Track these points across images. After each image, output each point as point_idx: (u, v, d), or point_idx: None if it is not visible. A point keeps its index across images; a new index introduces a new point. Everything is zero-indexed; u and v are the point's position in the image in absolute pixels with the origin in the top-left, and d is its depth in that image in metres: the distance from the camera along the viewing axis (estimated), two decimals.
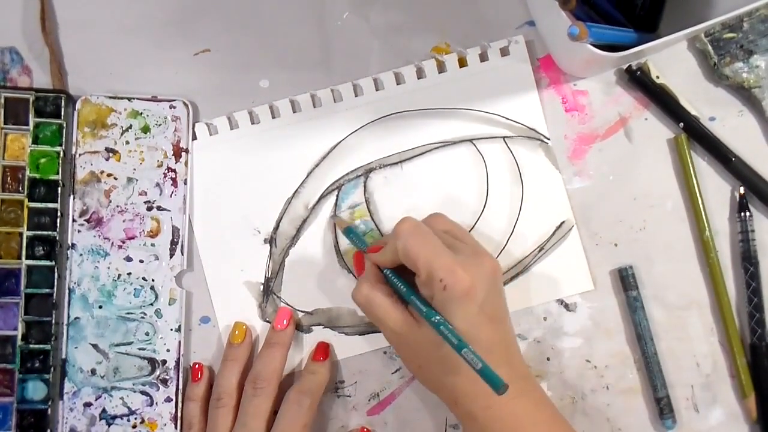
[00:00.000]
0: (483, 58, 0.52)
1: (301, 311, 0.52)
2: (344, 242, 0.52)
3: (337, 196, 0.52)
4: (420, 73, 0.52)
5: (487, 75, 0.52)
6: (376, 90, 0.52)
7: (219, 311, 0.51)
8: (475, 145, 0.52)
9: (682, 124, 0.51)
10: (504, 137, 0.52)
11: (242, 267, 0.52)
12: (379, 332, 0.50)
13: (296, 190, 0.52)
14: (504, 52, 0.52)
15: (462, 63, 0.52)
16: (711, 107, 0.52)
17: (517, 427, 0.43)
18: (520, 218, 0.52)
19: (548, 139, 0.52)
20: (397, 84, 0.52)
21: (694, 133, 0.51)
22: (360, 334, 0.51)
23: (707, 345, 0.51)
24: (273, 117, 0.52)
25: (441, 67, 0.52)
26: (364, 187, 0.52)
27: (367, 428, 0.50)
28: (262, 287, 0.52)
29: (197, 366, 0.50)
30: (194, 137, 0.52)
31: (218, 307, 0.51)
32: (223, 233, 0.52)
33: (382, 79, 0.52)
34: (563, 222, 0.52)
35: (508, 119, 0.52)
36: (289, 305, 0.51)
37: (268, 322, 0.51)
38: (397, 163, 0.52)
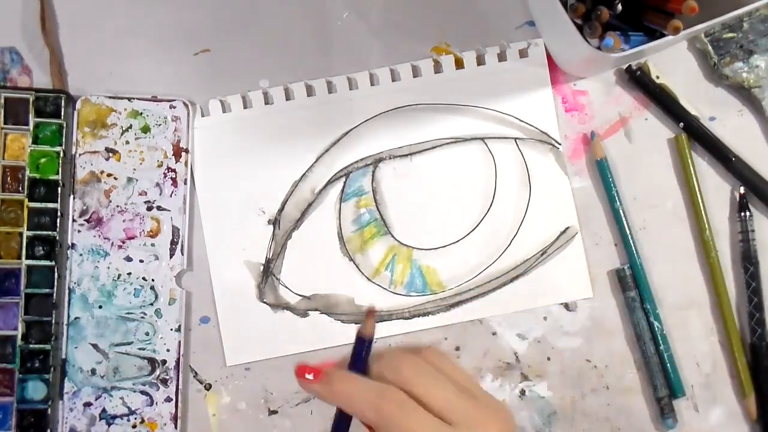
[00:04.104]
0: (501, 58, 0.52)
1: (299, 295, 0.52)
2: (347, 230, 0.52)
3: (345, 183, 0.52)
4: (437, 68, 0.52)
5: (504, 75, 0.52)
6: (392, 81, 0.52)
7: (218, 290, 0.51)
8: (486, 144, 0.52)
9: (682, 124, 0.51)
10: (516, 138, 0.52)
11: (244, 246, 0.52)
12: (376, 323, 0.50)
13: (304, 173, 0.52)
14: (523, 53, 0.52)
15: (479, 61, 0.52)
16: (711, 107, 0.52)
17: None
18: (525, 220, 0.52)
19: (560, 144, 0.52)
20: (414, 77, 0.52)
21: (694, 133, 0.51)
22: (356, 323, 0.51)
23: (707, 345, 0.51)
24: (287, 99, 0.52)
25: (459, 64, 0.52)
26: (372, 176, 0.52)
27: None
28: (262, 268, 0.52)
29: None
30: (207, 113, 0.52)
31: (217, 287, 0.51)
32: (228, 210, 0.52)
33: (399, 70, 0.52)
34: (568, 228, 0.52)
35: (521, 121, 0.52)
36: (287, 288, 0.51)
37: (265, 303, 0.51)
38: (407, 155, 0.52)
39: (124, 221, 0.51)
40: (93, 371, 0.50)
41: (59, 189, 0.50)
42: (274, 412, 0.48)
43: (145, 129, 0.51)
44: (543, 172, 0.52)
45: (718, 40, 0.51)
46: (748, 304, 0.50)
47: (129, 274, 0.51)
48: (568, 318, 0.51)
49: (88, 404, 0.50)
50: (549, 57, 0.52)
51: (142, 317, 0.50)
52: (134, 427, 0.50)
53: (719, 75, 0.51)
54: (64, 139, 0.50)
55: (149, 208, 0.51)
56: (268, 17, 0.53)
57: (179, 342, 0.50)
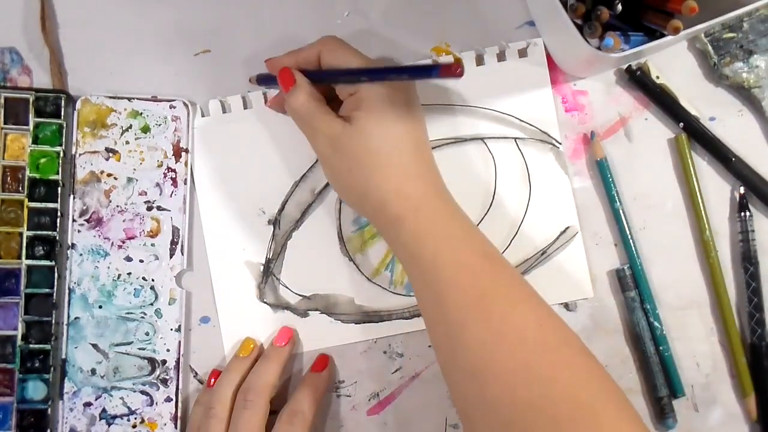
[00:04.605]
0: (500, 57, 0.52)
1: (299, 295, 0.52)
2: (347, 230, 0.52)
3: None
4: None
5: (504, 75, 0.52)
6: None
7: (218, 290, 0.51)
8: (486, 144, 0.52)
9: (682, 124, 0.51)
10: (516, 138, 0.52)
11: (244, 246, 0.52)
12: (376, 323, 0.50)
13: (304, 174, 0.52)
14: (522, 53, 0.52)
15: (479, 61, 0.52)
16: (711, 107, 0.52)
17: (449, 223, 0.44)
18: (526, 220, 0.52)
19: (560, 143, 0.52)
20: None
21: (694, 133, 0.51)
22: (356, 323, 0.51)
23: (707, 345, 0.51)
24: None
25: None
26: None
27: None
28: (262, 268, 0.52)
29: (214, 373, 0.50)
30: (207, 113, 0.52)
31: (217, 287, 0.51)
32: (228, 210, 0.52)
33: None
34: (568, 227, 0.52)
35: (521, 120, 0.52)
36: (287, 288, 0.51)
37: (265, 303, 0.51)
38: None
39: (124, 221, 0.51)
40: (93, 371, 0.50)
41: (59, 189, 0.50)
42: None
43: (145, 129, 0.51)
44: (543, 172, 0.52)
45: (718, 40, 0.51)
46: (748, 304, 0.50)
47: (129, 274, 0.51)
48: (568, 318, 0.51)
49: (88, 404, 0.50)
50: (549, 57, 0.52)
51: (142, 317, 0.50)
52: (134, 427, 0.50)
53: (719, 75, 0.51)
54: (64, 139, 0.51)
55: (149, 208, 0.51)
56: (269, 17, 0.53)
57: (179, 342, 0.50)
